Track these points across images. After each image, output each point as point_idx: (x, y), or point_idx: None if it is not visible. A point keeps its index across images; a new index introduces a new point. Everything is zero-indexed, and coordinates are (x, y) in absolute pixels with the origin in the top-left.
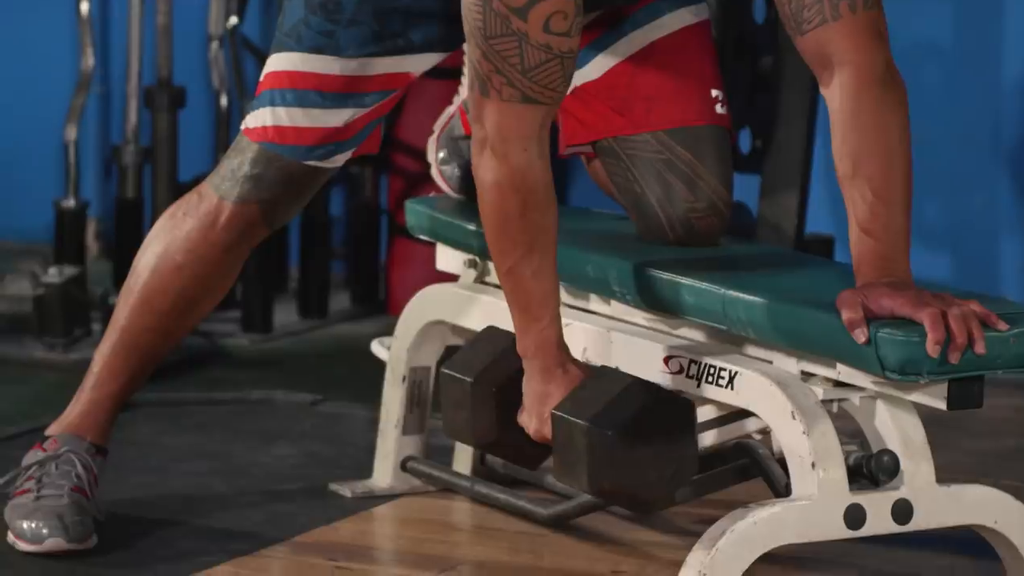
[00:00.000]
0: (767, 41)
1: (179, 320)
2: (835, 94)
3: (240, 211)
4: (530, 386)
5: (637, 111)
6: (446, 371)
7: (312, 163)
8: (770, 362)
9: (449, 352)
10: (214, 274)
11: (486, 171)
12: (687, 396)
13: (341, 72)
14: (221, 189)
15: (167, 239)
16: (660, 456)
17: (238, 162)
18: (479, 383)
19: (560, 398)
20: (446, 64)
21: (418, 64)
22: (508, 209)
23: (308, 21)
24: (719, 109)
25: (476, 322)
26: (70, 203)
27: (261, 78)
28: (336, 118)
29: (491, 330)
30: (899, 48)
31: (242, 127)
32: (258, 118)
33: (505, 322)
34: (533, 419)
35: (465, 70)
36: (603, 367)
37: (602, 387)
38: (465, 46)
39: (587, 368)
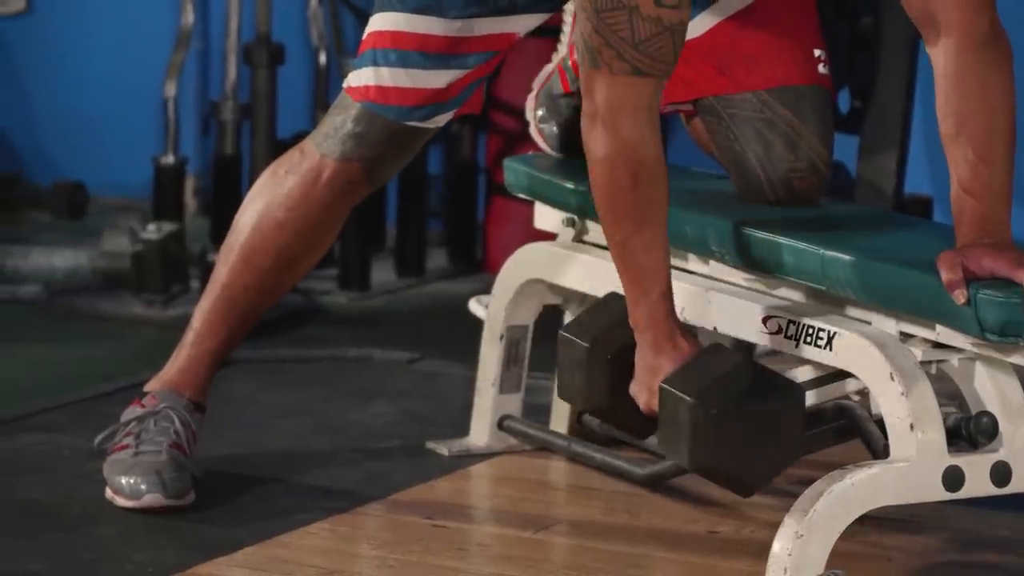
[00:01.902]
0: (868, 0)
1: (279, 277)
2: (939, 53)
3: (342, 168)
4: (641, 358)
5: (739, 70)
6: (564, 333)
7: (414, 123)
8: (869, 323)
9: (547, 311)
10: (315, 231)
11: (597, 145)
12: (797, 383)
13: (444, 33)
14: (324, 147)
15: (268, 196)
16: (763, 439)
17: (341, 120)
18: (595, 349)
19: (669, 371)
20: (546, 23)
21: (521, 24)
22: (619, 183)
23: None
24: (821, 69)
25: (574, 281)
26: (169, 159)
27: (364, 36)
28: (438, 79)
29: (612, 296)
30: (1003, 6)
31: (344, 85)
32: (361, 77)
33: (606, 281)
34: (643, 391)
35: (564, 28)
36: (716, 344)
37: (712, 364)
38: (568, 7)
39: (698, 343)
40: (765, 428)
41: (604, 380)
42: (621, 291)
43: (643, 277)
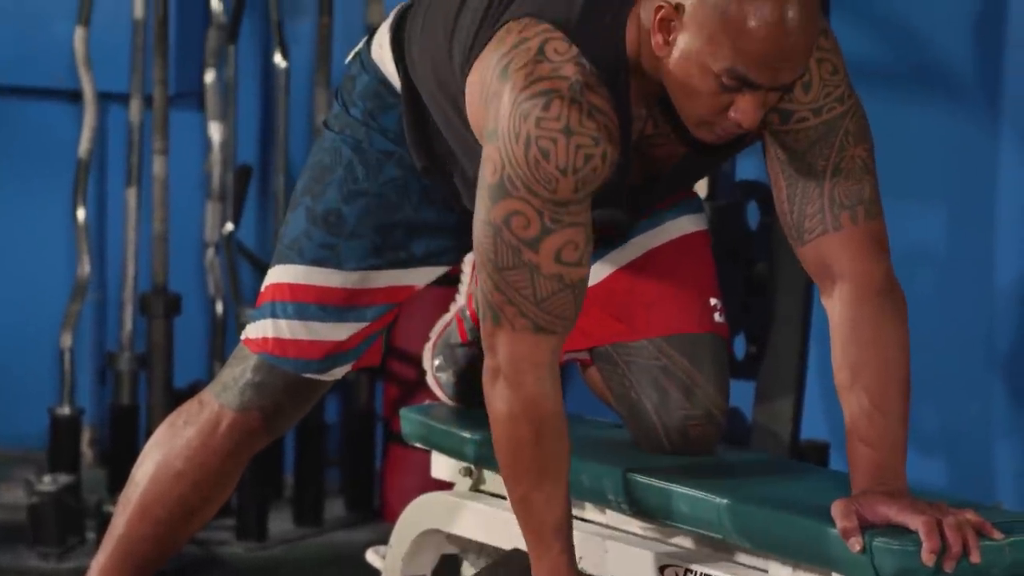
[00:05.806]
0: (761, 247)
1: (177, 529)
2: (835, 304)
3: (241, 419)
4: None
5: (636, 317)
6: None
7: (312, 376)
8: (765, 571)
9: (445, 561)
10: (214, 482)
11: (500, 401)
12: None
13: (343, 285)
14: (222, 397)
15: (167, 447)
16: None
17: (240, 370)
18: None
19: None
20: (445, 273)
21: (421, 276)
22: (522, 438)
23: (310, 234)
24: (717, 318)
25: (471, 531)
26: (65, 410)
27: (262, 288)
28: (336, 332)
29: (514, 553)
30: (893, 253)
31: (242, 337)
32: (259, 329)
33: (503, 531)
34: None
35: (463, 278)
36: None
37: None
38: (467, 258)
39: None
40: None
41: None
42: (519, 542)
43: (545, 532)
